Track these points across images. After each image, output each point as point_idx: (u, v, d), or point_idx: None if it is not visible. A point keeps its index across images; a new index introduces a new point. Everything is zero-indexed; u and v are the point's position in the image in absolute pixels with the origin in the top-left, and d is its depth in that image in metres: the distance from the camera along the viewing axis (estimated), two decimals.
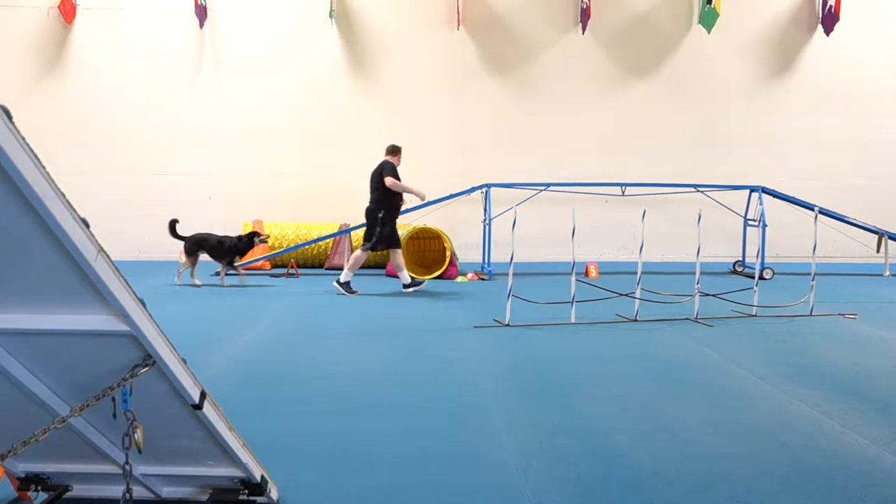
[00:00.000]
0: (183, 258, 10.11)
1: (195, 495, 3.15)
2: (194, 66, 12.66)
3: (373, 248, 9.39)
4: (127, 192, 12.50)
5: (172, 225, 10.08)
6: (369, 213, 9.40)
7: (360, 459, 3.88)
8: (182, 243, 10.09)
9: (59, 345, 2.35)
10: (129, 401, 2.42)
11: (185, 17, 12.38)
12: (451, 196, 11.19)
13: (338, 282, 9.35)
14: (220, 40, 12.67)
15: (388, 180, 9.18)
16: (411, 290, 9.39)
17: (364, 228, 9.67)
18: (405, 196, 9.53)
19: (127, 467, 2.55)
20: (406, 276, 9.45)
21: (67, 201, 1.93)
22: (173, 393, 2.53)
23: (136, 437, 2.45)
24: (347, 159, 12.70)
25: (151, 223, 12.48)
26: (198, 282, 9.88)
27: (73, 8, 12.35)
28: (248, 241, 10.08)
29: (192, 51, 12.63)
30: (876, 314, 8.24)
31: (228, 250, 10.00)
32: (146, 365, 2.37)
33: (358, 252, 9.47)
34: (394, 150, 9.63)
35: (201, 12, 12.27)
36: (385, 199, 9.28)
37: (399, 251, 9.48)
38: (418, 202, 9.71)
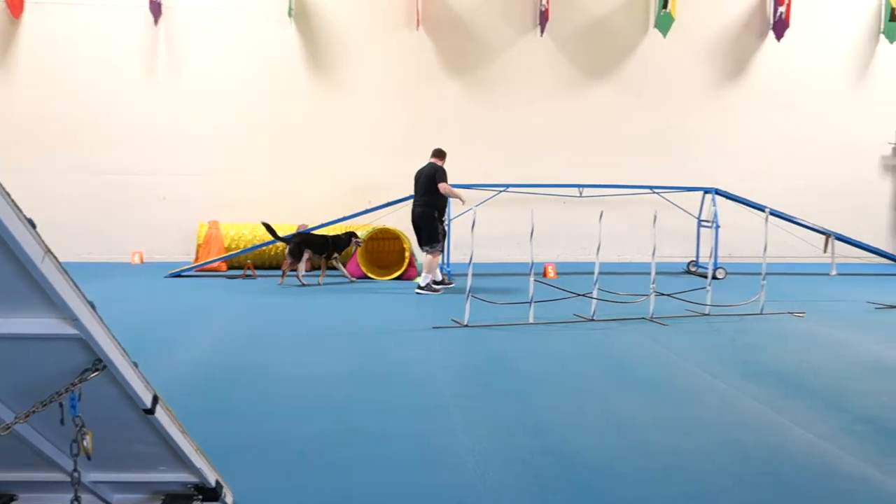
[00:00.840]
0: (289, 260, 10.23)
1: (147, 502, 3.09)
2: (149, 63, 12.43)
3: (443, 249, 9.81)
4: (78, 192, 12.21)
5: (269, 227, 10.40)
6: (423, 215, 9.68)
7: (316, 462, 3.86)
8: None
9: (4, 349, 2.29)
10: (78, 406, 2.37)
11: (139, 12, 12.13)
12: (411, 197, 11.13)
13: (420, 287, 9.56)
14: (176, 37, 12.46)
15: (443, 186, 9.57)
16: (437, 291, 9.55)
17: (420, 231, 9.82)
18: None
19: (75, 474, 2.50)
20: (429, 277, 9.65)
21: (13, 201, 1.88)
22: (124, 397, 2.48)
23: (84, 443, 2.39)
24: (306, 159, 12.61)
25: (103, 223, 12.26)
26: (304, 281, 10.13)
27: (21, 2, 12.02)
28: (346, 240, 10.57)
29: (146, 48, 12.39)
30: (823, 313, 8.44)
31: (332, 246, 10.43)
32: (96, 369, 2.32)
33: (429, 257, 9.64)
34: (442, 154, 10.01)
35: (156, 8, 12.06)
36: (437, 201, 9.71)
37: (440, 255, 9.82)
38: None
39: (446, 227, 10.16)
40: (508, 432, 4.32)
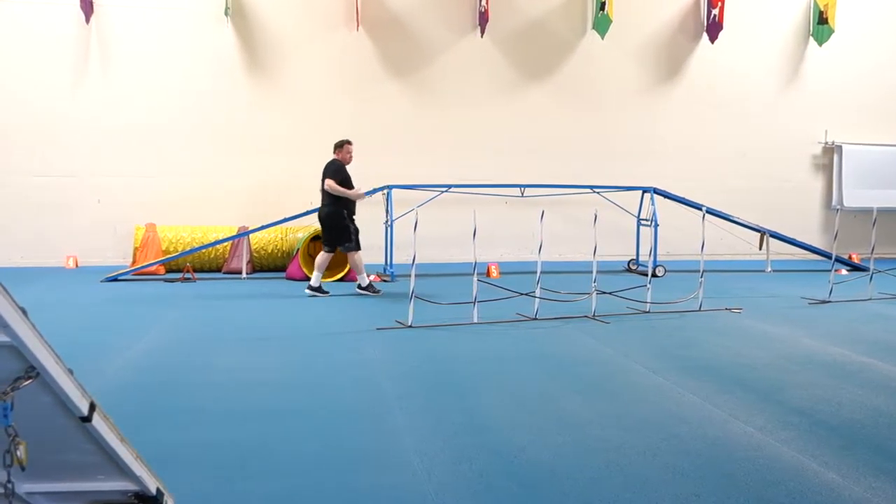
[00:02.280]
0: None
1: None
2: (80, 62, 12.07)
3: (358, 247, 9.35)
4: (7, 195, 11.81)
5: None
6: (330, 215, 9.23)
7: (258, 465, 3.81)
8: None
9: None
10: (11, 416, 2.29)
11: (69, 10, 11.79)
12: None
13: (360, 287, 9.41)
14: (109, 36, 12.13)
15: (329, 184, 9.07)
16: (366, 293, 9.37)
17: (324, 232, 9.47)
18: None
19: (9, 486, 2.42)
20: (365, 277, 9.47)
21: None
22: (59, 405, 2.41)
23: (18, 453, 2.32)
24: (245, 161, 12.42)
25: (35, 227, 11.88)
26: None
27: None
28: None
29: (77, 47, 12.03)
30: (759, 308, 8.69)
31: None
32: (29, 377, 2.25)
33: (352, 257, 9.35)
34: (337, 146, 9.49)
35: (87, 6, 11.73)
36: (342, 198, 9.20)
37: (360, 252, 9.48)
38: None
39: (357, 225, 9.51)
40: (452, 432, 4.33)
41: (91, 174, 12.10)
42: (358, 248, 9.38)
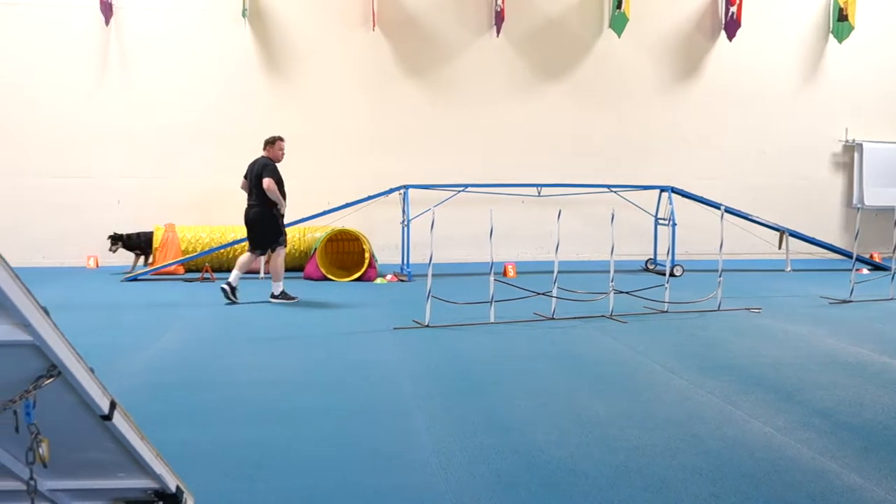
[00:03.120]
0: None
1: None
2: (100, 64, 12.19)
3: (284, 244, 8.90)
4: (26, 196, 11.93)
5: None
6: (259, 215, 8.70)
7: (276, 465, 3.82)
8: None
9: None
10: (33, 413, 2.31)
11: (89, 13, 11.90)
12: (369, 198, 11.15)
13: (273, 296, 8.82)
14: (128, 38, 12.24)
15: (267, 183, 8.54)
16: (280, 302, 8.78)
17: (252, 234, 8.91)
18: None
19: (31, 483, 2.44)
20: (280, 285, 8.85)
21: None
22: (81, 404, 2.43)
23: (40, 451, 2.34)
24: None
25: (54, 227, 12.00)
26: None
27: None
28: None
29: (97, 49, 12.15)
30: (779, 308, 8.62)
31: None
32: (51, 376, 2.27)
33: (279, 259, 8.87)
34: (269, 142, 8.93)
35: (106, 9, 11.84)
36: (270, 201, 8.69)
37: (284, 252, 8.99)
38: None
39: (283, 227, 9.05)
40: (471, 431, 4.33)
41: (111, 175, 12.20)
42: (284, 244, 8.91)
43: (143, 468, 2.81)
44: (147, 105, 12.22)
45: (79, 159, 12.09)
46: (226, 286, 8.77)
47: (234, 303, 8.67)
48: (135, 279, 10.60)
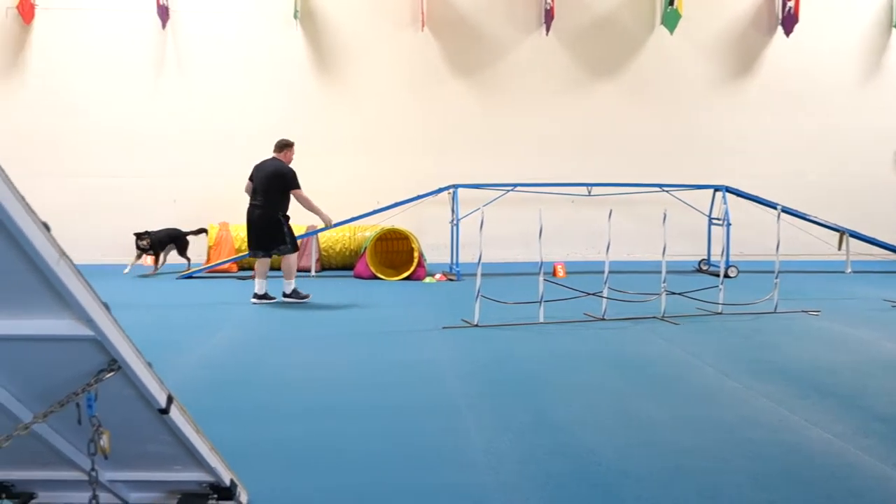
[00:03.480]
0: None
1: (163, 500, 3.11)
2: (156, 67, 12.49)
3: (295, 248, 8.77)
4: (89, 195, 12.27)
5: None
6: (264, 217, 8.54)
7: (328, 461, 3.86)
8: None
9: (22, 350, 2.30)
10: (95, 406, 2.38)
11: (146, 17, 12.19)
12: (419, 197, 11.18)
13: (285, 294, 8.68)
14: (183, 41, 12.51)
15: (302, 198, 8.56)
16: (292, 300, 8.68)
17: (255, 235, 8.71)
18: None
19: (93, 473, 2.51)
20: (292, 284, 8.70)
21: (27, 204, 1.89)
22: (139, 397, 2.49)
23: (101, 442, 2.41)
24: (313, 160, 12.56)
25: (113, 226, 12.30)
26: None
27: (32, 8, 12.09)
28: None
29: (153, 52, 12.45)
30: (838, 311, 8.39)
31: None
32: (111, 370, 2.33)
33: (291, 259, 8.72)
34: (286, 146, 8.87)
35: (163, 12, 12.11)
36: (282, 203, 8.63)
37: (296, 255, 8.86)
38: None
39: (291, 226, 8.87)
40: (520, 432, 4.31)
41: (168, 174, 12.48)
42: (295, 248, 8.76)
43: (199, 461, 2.86)
44: (201, 106, 12.47)
45: (137, 159, 12.40)
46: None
47: (273, 300, 8.68)
48: (189, 277, 10.82)
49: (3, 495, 3.05)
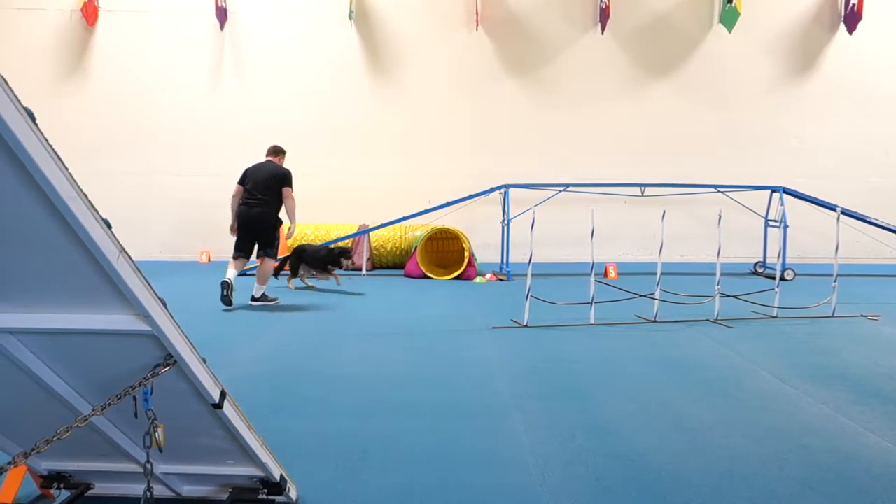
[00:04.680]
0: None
1: (215, 494, 3.17)
2: (215, 67, 12.75)
3: (275, 256, 8.74)
4: (149, 194, 12.61)
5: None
6: (264, 216, 8.49)
7: (378, 459, 3.89)
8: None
9: (81, 344, 2.37)
10: (150, 400, 2.44)
11: (205, 18, 12.47)
12: (470, 196, 11.19)
13: (254, 298, 8.59)
14: (241, 42, 12.75)
15: (291, 199, 8.53)
16: (260, 304, 8.59)
17: (251, 233, 8.60)
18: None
19: (148, 466, 2.58)
20: (262, 288, 8.62)
21: (90, 202, 1.95)
22: (193, 392, 2.55)
23: (156, 435, 2.47)
24: (366, 160, 12.74)
25: (171, 223, 12.62)
26: (306, 283, 10.27)
27: (96, 10, 12.48)
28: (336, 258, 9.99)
29: (212, 52, 12.72)
30: None
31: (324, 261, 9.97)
32: (167, 364, 2.39)
33: (269, 264, 8.63)
34: (280, 151, 8.94)
35: (221, 14, 12.37)
36: (279, 204, 8.58)
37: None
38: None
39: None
40: (569, 433, 4.28)
41: (225, 173, 12.65)
42: (276, 255, 8.78)
43: (250, 456, 2.91)
44: (258, 106, 12.69)
45: (195, 158, 12.68)
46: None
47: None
48: (244, 274, 10.97)
49: (62, 485, 3.15)
